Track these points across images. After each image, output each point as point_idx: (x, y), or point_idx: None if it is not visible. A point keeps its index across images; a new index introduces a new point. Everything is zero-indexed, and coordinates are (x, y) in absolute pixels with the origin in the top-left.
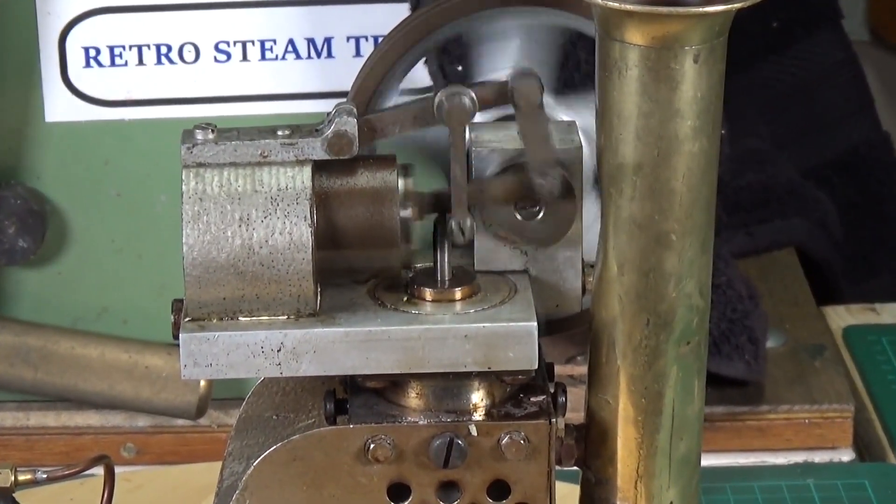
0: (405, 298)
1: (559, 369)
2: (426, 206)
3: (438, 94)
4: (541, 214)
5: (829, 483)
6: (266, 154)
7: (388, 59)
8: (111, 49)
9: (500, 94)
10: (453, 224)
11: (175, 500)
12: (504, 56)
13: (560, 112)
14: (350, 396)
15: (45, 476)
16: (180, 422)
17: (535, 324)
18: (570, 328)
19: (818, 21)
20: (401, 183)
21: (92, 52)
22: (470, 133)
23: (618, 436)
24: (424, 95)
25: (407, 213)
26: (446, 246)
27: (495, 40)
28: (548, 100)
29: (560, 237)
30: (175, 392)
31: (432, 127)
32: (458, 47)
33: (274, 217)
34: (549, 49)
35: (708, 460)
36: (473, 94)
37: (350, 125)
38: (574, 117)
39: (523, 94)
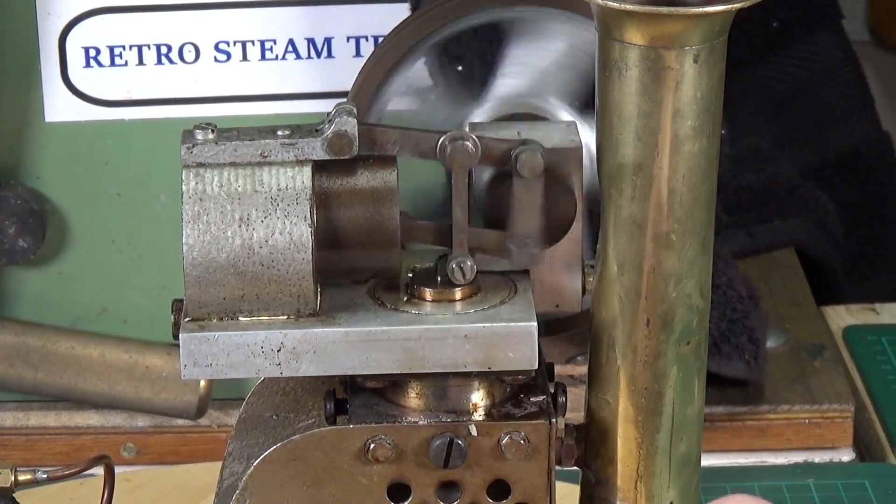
0: (405, 298)
1: (559, 369)
2: (423, 237)
3: (442, 137)
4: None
5: (829, 483)
6: (266, 154)
7: (388, 59)
8: (111, 49)
9: (503, 157)
10: (454, 265)
11: (175, 500)
12: (544, 53)
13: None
14: (350, 396)
15: (45, 476)
16: (180, 422)
17: (535, 324)
18: (570, 328)
19: (818, 21)
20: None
21: (92, 52)
22: (472, 177)
23: (618, 436)
24: (430, 130)
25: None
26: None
27: (539, 38)
28: (562, 109)
29: (560, 237)
30: (175, 392)
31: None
32: (458, 47)
33: (274, 217)
34: (584, 58)
35: (708, 460)
36: (477, 140)
37: (350, 125)
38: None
39: (526, 163)
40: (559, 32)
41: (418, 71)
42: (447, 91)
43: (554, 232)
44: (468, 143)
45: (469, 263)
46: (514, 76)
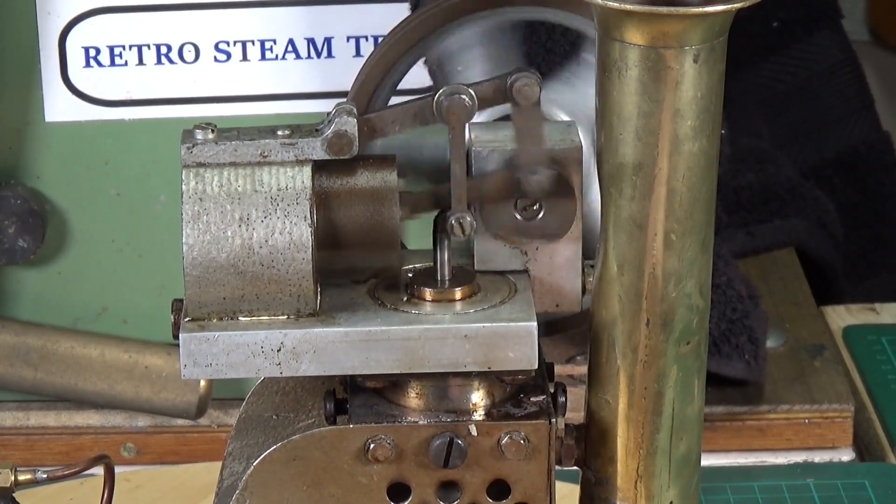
0: (405, 298)
1: (559, 369)
2: (423, 204)
3: (438, 93)
4: (541, 214)
5: (829, 483)
6: (266, 154)
7: (388, 59)
8: (111, 49)
9: (499, 92)
10: (453, 221)
11: (175, 500)
12: (472, 64)
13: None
14: (350, 396)
15: (45, 476)
16: (180, 422)
17: (535, 324)
18: (570, 328)
19: (818, 21)
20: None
21: (92, 52)
22: (470, 133)
23: (618, 436)
24: (424, 95)
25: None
26: (446, 245)
27: (461, 52)
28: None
29: (563, 233)
30: (175, 392)
31: (428, 144)
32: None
33: (274, 217)
34: (511, 43)
35: (708, 460)
36: (473, 93)
37: (350, 125)
38: (555, 99)
39: (521, 91)
40: (471, 36)
41: (418, 71)
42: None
43: (553, 232)
44: (464, 96)
45: (468, 219)
46: (562, 89)
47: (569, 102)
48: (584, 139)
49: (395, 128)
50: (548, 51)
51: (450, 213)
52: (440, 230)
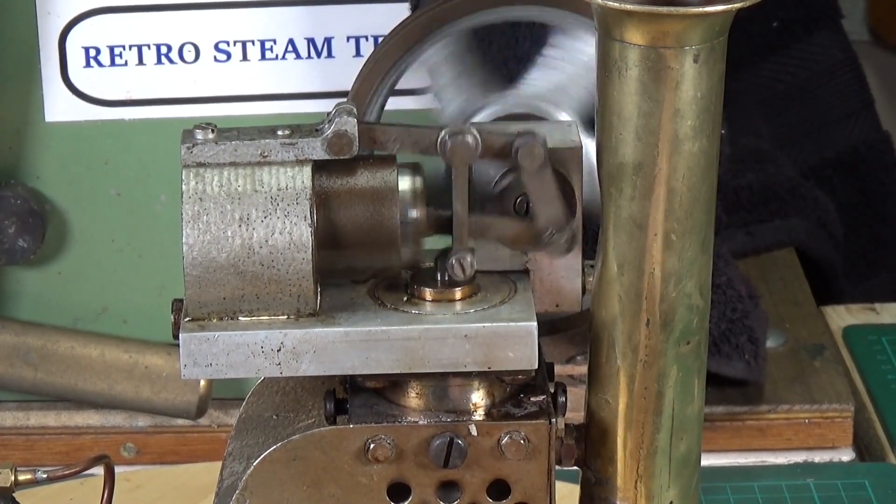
0: (405, 298)
1: (559, 369)
2: (434, 226)
3: (442, 132)
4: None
5: (829, 483)
6: (266, 154)
7: (387, 60)
8: (111, 49)
9: (504, 149)
10: (454, 261)
11: (175, 500)
12: (441, 76)
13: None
14: (350, 396)
15: (45, 476)
16: (180, 422)
17: (535, 324)
18: (570, 328)
19: (818, 21)
20: (409, 183)
21: (92, 52)
22: (472, 172)
23: (618, 436)
24: (431, 125)
25: (415, 215)
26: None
27: (431, 65)
28: (506, 93)
29: (569, 251)
30: (175, 392)
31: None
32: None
33: (274, 217)
34: (474, 51)
35: (708, 460)
36: (477, 134)
37: (350, 125)
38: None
39: (527, 154)
40: (436, 53)
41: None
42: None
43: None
44: (468, 137)
45: (469, 259)
46: (538, 78)
47: (548, 87)
48: (572, 117)
49: (395, 146)
50: (517, 45)
51: (451, 252)
52: (441, 269)
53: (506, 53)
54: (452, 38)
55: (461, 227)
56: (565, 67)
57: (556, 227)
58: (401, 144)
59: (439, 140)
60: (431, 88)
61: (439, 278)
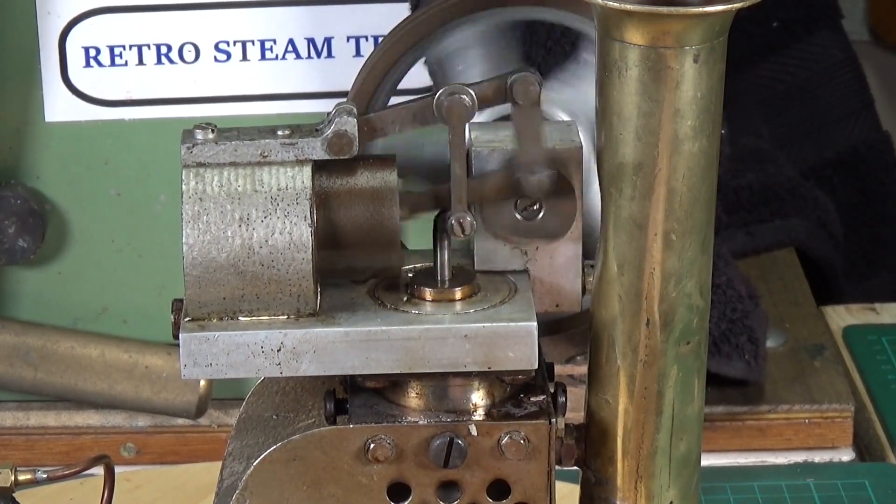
0: (405, 298)
1: (559, 369)
2: (423, 204)
3: (438, 93)
4: (541, 214)
5: (829, 483)
6: (266, 154)
7: (387, 60)
8: (111, 49)
9: (499, 92)
10: (453, 221)
11: (175, 500)
12: (471, 64)
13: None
14: (350, 396)
15: (45, 476)
16: (180, 422)
17: (535, 324)
18: (570, 328)
19: (818, 21)
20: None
21: (92, 52)
22: (470, 133)
23: (618, 436)
24: (424, 95)
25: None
26: (446, 245)
27: (460, 53)
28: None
29: (563, 233)
30: (175, 392)
31: (429, 143)
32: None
33: (274, 217)
34: (509, 44)
35: (708, 460)
36: (473, 93)
37: (350, 125)
38: (554, 100)
39: (522, 90)
40: (468, 38)
41: (418, 71)
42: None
43: (553, 232)
44: (464, 96)
45: (468, 219)
46: (562, 88)
47: (569, 101)
48: (585, 139)
49: (395, 128)
50: (547, 50)
51: (450, 213)
52: (440, 230)
53: (530, 55)
54: (473, 32)
55: (459, 188)
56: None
57: (533, 167)
58: (400, 124)
59: (436, 101)
60: (442, 77)
61: (439, 276)
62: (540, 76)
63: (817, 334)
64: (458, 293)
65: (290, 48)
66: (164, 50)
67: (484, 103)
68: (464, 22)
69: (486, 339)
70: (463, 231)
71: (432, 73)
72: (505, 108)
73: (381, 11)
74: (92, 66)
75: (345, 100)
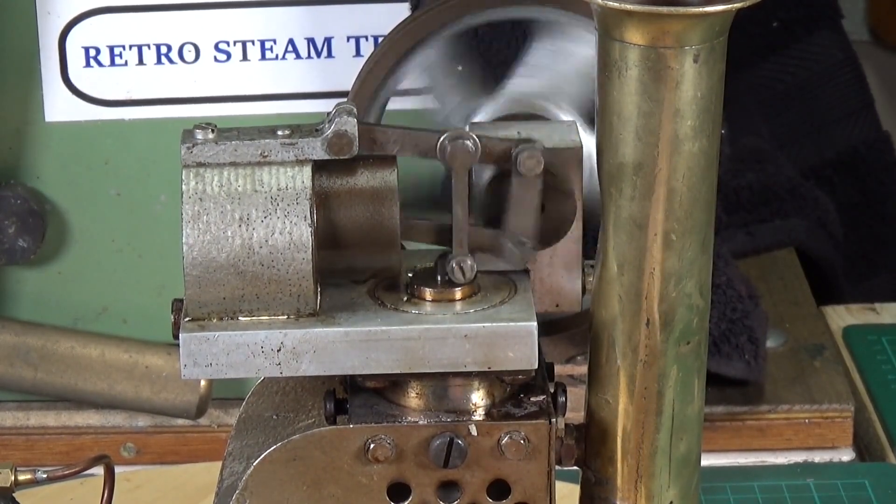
0: (405, 298)
1: (559, 369)
2: (423, 236)
3: (442, 136)
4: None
5: (829, 483)
6: (266, 154)
7: (388, 60)
8: (111, 49)
9: (503, 155)
10: (454, 265)
11: (175, 500)
12: (566, 57)
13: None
14: (350, 396)
15: (45, 476)
16: (180, 422)
17: (535, 324)
18: (570, 328)
19: (818, 21)
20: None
21: (92, 52)
22: (472, 176)
23: (618, 436)
24: (431, 129)
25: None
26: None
27: (563, 42)
28: (496, 95)
29: (560, 237)
30: (175, 392)
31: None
32: (476, 41)
33: (274, 217)
34: (458, 59)
35: (708, 460)
36: (477, 139)
37: (350, 125)
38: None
39: (526, 163)
40: (583, 40)
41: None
42: (455, 86)
43: (553, 232)
44: (468, 142)
45: (469, 263)
46: (531, 76)
47: (540, 85)
48: (571, 113)
49: (395, 148)
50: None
51: (451, 256)
52: (440, 272)
53: (494, 54)
54: (443, 41)
55: (461, 231)
56: (555, 65)
57: (521, 239)
58: (401, 147)
59: (439, 144)
60: (429, 90)
61: (439, 279)
62: (543, 147)
63: (817, 334)
64: (458, 293)
65: (290, 48)
66: (164, 50)
67: (487, 158)
68: (464, 22)
69: (486, 339)
70: (464, 275)
71: (432, 71)
72: (505, 109)
73: (381, 11)
74: (92, 66)
75: (345, 100)
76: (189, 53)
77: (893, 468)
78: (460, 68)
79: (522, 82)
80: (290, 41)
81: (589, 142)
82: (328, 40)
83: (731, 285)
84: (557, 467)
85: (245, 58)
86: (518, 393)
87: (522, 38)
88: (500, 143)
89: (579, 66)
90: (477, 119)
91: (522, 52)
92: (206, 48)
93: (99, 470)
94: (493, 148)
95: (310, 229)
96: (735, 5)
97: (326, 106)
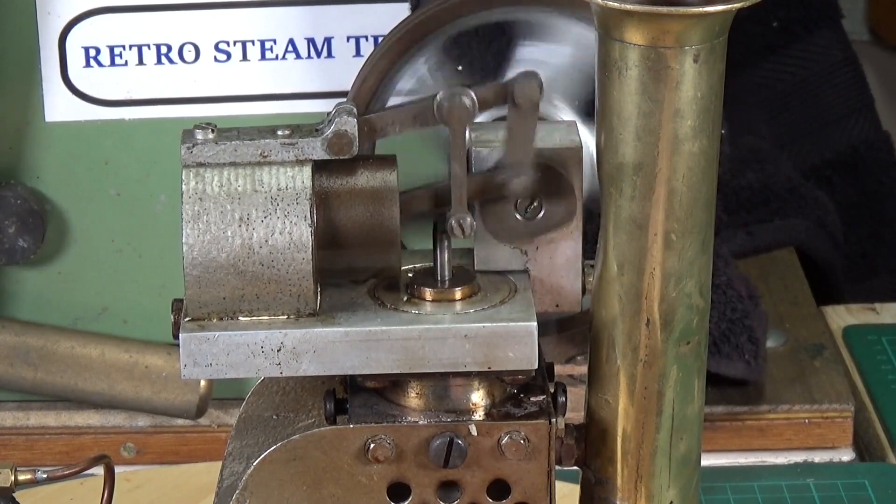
0: (405, 298)
1: (559, 369)
2: (420, 203)
3: (439, 94)
4: (542, 213)
5: (829, 483)
6: (266, 154)
7: (388, 59)
8: (111, 49)
9: (500, 94)
10: (453, 222)
11: (175, 500)
12: (551, 54)
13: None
14: (350, 396)
15: (45, 476)
16: (180, 422)
17: (535, 324)
18: (570, 328)
19: (818, 21)
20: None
21: (92, 52)
22: (470, 133)
23: (618, 436)
24: (424, 96)
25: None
26: (446, 245)
27: (547, 39)
28: (577, 118)
29: (564, 224)
30: (175, 392)
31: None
32: (458, 47)
33: (274, 217)
34: (453, 62)
35: (708, 460)
36: (473, 95)
37: (350, 125)
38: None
39: (523, 92)
40: (567, 34)
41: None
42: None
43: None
44: (465, 98)
45: (468, 220)
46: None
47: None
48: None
49: (396, 128)
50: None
51: (449, 213)
52: (440, 230)
53: (476, 62)
54: (434, 48)
55: (459, 188)
56: (548, 62)
57: (517, 170)
58: (400, 125)
59: (436, 104)
60: (456, 66)
61: (439, 276)
62: (541, 80)
63: (817, 334)
64: (458, 293)
65: (290, 48)
66: (164, 50)
67: (484, 106)
68: (464, 22)
69: (486, 339)
70: (463, 231)
71: (432, 74)
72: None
73: (381, 11)
74: (92, 66)
75: (345, 100)
76: (189, 53)
77: (893, 468)
78: (460, 68)
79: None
80: (290, 41)
81: (586, 133)
82: (328, 40)
83: (731, 285)
84: (557, 467)
85: (245, 58)
86: (518, 393)
87: (503, 41)
88: (493, 86)
89: (565, 60)
90: (477, 119)
91: (506, 56)
92: (206, 48)
93: (99, 470)
94: (488, 93)
95: (310, 229)
96: (735, 5)
97: (326, 106)
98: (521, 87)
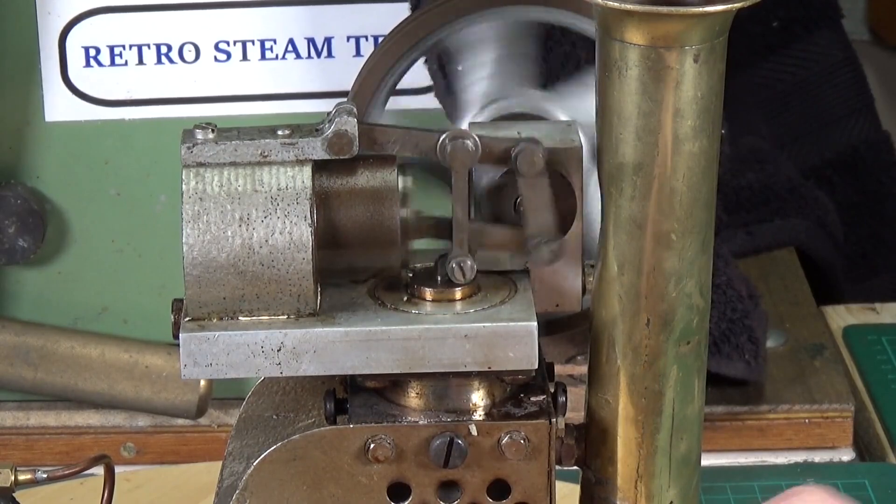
0: (405, 298)
1: (559, 369)
2: (423, 232)
3: (442, 136)
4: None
5: (829, 483)
6: (266, 154)
7: (388, 59)
8: (111, 49)
9: (504, 155)
10: (453, 265)
11: (175, 500)
12: (484, 53)
13: (548, 104)
14: (350, 396)
15: (45, 476)
16: (180, 422)
17: (535, 324)
18: (570, 328)
19: (818, 21)
20: (401, 182)
21: (92, 52)
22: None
23: (618, 436)
24: (431, 129)
25: (405, 213)
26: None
27: (475, 40)
28: (533, 93)
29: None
30: (175, 392)
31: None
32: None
33: (274, 217)
34: (527, 42)
35: (708, 460)
36: (477, 139)
37: (350, 125)
38: (561, 107)
39: (527, 160)
40: (487, 30)
41: (418, 71)
42: (448, 90)
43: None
44: (468, 141)
45: (469, 263)
46: (480, 82)
47: (583, 109)
48: (586, 144)
49: (395, 148)
50: (566, 56)
51: (450, 255)
52: (439, 272)
53: (547, 60)
54: (502, 22)
55: (461, 231)
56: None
57: (543, 237)
58: (401, 146)
59: (439, 144)
60: (456, 66)
61: (439, 278)
62: (544, 149)
63: (817, 334)
64: (458, 293)
65: (290, 48)
66: (164, 50)
67: (486, 158)
68: (463, 22)
69: (486, 339)
70: (464, 275)
71: (432, 73)
72: (505, 109)
73: (381, 11)
74: (92, 66)
75: (345, 100)
76: (189, 53)
77: (893, 468)
78: (460, 68)
79: (475, 90)
80: (290, 41)
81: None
82: (328, 40)
83: (731, 285)
84: (557, 467)
85: (245, 58)
86: (518, 393)
87: (585, 54)
88: (499, 143)
89: (499, 53)
90: (485, 113)
91: (577, 72)
92: (206, 48)
93: (99, 470)
94: (493, 148)
95: (310, 229)
96: (735, 5)
97: (326, 106)
98: (525, 156)
